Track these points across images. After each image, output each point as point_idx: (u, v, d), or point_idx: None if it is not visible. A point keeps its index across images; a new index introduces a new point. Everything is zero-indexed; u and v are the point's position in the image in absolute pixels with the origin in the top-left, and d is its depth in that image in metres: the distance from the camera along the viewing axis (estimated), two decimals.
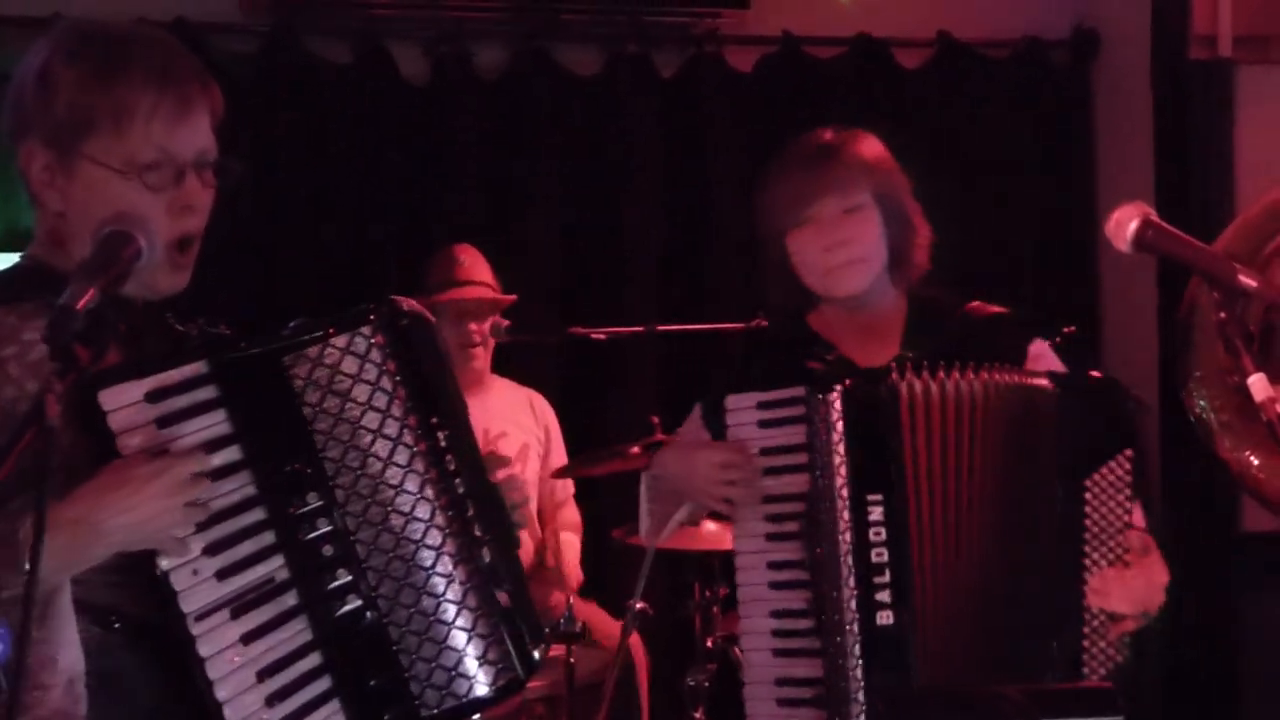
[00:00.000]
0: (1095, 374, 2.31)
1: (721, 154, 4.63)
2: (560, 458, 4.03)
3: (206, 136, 1.81)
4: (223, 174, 1.82)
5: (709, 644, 3.56)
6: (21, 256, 1.83)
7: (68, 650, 1.60)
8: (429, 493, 1.80)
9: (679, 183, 4.63)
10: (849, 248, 2.29)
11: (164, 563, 1.65)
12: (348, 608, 1.76)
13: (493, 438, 3.88)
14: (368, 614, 1.77)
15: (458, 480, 1.84)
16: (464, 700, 1.80)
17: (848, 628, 2.13)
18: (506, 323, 3.71)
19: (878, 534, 2.15)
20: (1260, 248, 3.28)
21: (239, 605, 1.69)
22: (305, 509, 1.74)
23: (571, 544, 3.99)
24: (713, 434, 2.33)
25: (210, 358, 1.71)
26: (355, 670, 1.76)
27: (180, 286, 1.81)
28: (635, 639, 3.65)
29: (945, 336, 2.30)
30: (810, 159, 2.31)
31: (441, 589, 1.79)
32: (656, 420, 3.42)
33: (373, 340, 1.78)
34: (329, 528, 1.76)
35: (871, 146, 2.35)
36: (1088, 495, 2.18)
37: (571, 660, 3.42)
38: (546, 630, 2.18)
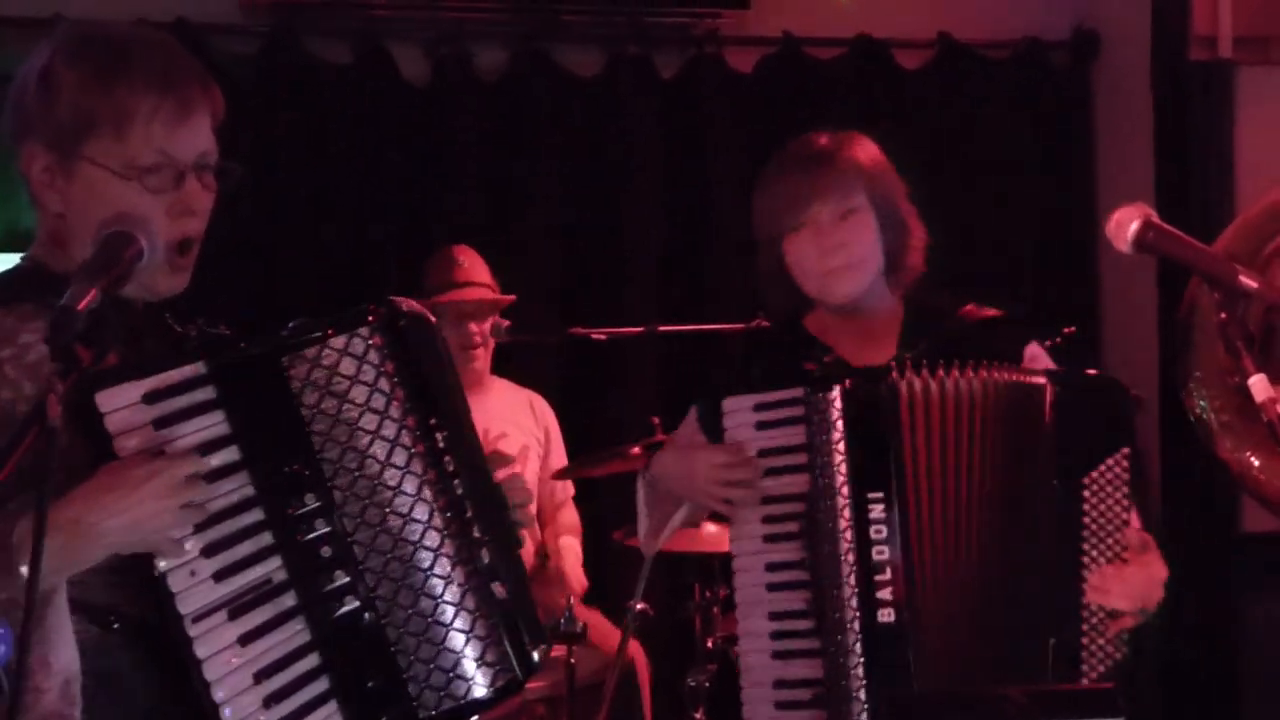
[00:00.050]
0: (1093, 372, 2.31)
1: (721, 154, 4.62)
2: (560, 459, 4.03)
3: (207, 139, 1.81)
4: (223, 177, 1.82)
5: (709, 645, 3.56)
6: (22, 258, 1.83)
7: (63, 652, 1.60)
8: (427, 494, 1.80)
9: (679, 183, 4.63)
10: (845, 251, 2.29)
11: (161, 564, 1.65)
12: (346, 609, 1.75)
13: (492, 439, 3.83)
14: (366, 615, 1.76)
15: (456, 481, 1.84)
16: (462, 701, 1.79)
17: (849, 626, 2.13)
18: (506, 323, 3.70)
19: (878, 532, 2.15)
20: (1260, 248, 3.29)
21: (237, 606, 1.69)
22: (303, 510, 1.74)
23: (572, 548, 3.98)
24: (709, 436, 2.33)
25: (208, 359, 1.71)
26: (353, 671, 1.76)
27: (179, 288, 1.81)
28: (634, 645, 3.64)
29: (941, 339, 2.30)
30: (805, 163, 2.31)
31: (439, 590, 1.79)
32: (657, 421, 3.42)
33: (370, 341, 1.77)
34: (327, 529, 1.75)
35: (866, 150, 2.35)
36: (1086, 493, 2.18)
37: (572, 661, 3.42)
38: (547, 631, 2.17)
